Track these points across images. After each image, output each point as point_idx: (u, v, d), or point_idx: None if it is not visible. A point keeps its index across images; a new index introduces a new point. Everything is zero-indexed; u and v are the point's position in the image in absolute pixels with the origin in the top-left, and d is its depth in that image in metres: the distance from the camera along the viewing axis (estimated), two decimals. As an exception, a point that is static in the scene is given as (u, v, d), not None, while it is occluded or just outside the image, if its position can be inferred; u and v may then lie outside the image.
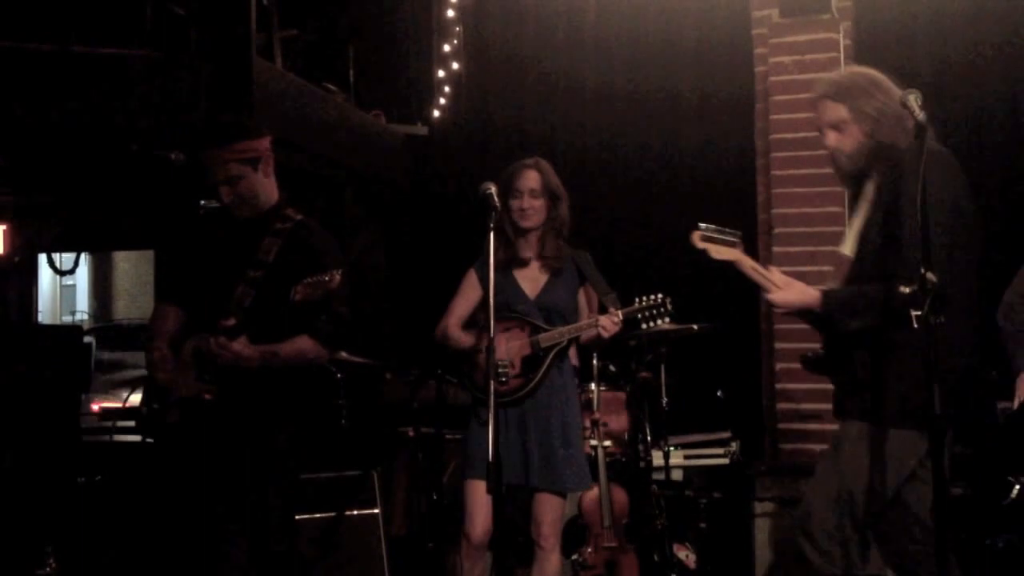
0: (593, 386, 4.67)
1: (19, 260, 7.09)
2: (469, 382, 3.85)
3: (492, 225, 3.27)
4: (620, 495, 4.64)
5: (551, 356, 3.79)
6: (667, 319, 3.75)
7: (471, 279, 3.95)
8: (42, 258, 7.75)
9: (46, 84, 4.84)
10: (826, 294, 3.08)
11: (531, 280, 3.90)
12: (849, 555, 3.00)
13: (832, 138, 3.17)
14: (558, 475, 3.79)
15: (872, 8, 5.36)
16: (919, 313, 2.68)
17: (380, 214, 6.84)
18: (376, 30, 7.01)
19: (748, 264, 3.16)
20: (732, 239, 3.17)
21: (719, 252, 3.15)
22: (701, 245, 3.16)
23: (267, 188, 3.49)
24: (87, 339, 6.97)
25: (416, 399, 4.85)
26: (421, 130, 6.87)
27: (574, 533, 4.64)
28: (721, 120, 5.91)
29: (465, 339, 3.86)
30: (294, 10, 6.28)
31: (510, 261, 3.88)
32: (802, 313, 3.18)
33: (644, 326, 3.77)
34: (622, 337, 3.88)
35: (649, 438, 4.96)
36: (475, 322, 3.93)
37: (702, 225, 3.17)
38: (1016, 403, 3.96)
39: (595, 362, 4.70)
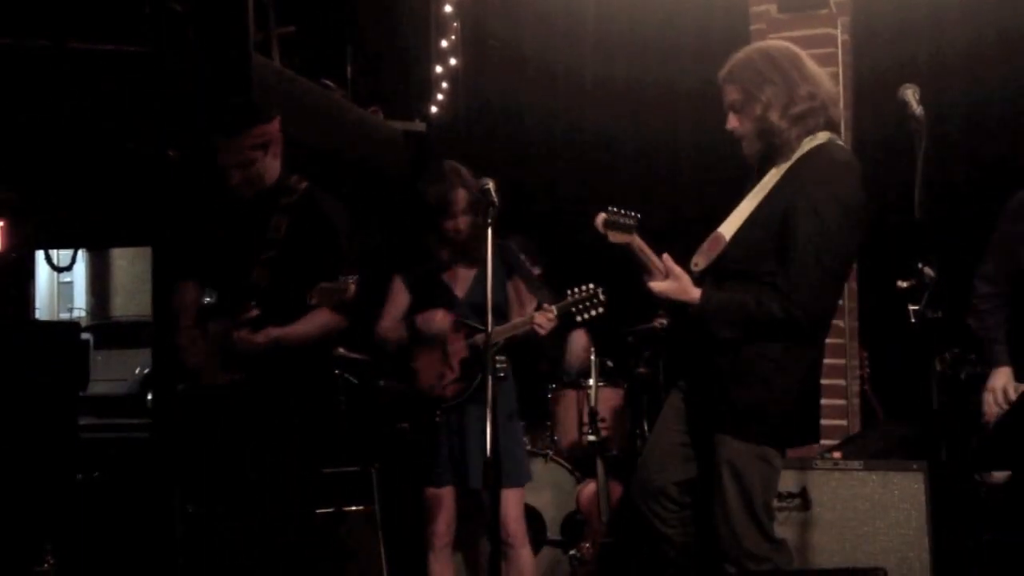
0: (592, 382, 4.68)
1: (16, 257, 7.08)
2: (411, 384, 3.87)
3: (491, 221, 3.27)
4: (618, 491, 4.64)
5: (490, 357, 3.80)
6: (601, 309, 3.77)
7: (397, 285, 4.02)
8: (39, 255, 7.74)
9: (42, 80, 4.83)
10: (706, 298, 3.02)
11: (458, 280, 3.93)
12: (778, 567, 3.05)
13: (731, 121, 3.13)
14: (512, 470, 3.82)
15: (870, 2, 5.35)
16: (917, 308, 2.69)
17: (378, 210, 6.83)
18: (374, 26, 7.00)
19: (637, 245, 3.09)
20: (631, 222, 3.09)
21: (616, 237, 3.09)
22: (603, 230, 3.10)
23: (273, 168, 3.54)
24: (84, 336, 6.96)
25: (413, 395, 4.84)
26: (419, 126, 6.86)
27: (572, 528, 4.65)
28: (720, 114, 5.89)
29: (397, 332, 3.91)
30: (292, 7, 6.27)
31: (434, 267, 3.91)
32: (675, 305, 3.11)
33: (579, 319, 3.79)
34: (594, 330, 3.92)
35: (647, 434, 4.96)
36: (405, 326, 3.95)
37: (610, 208, 3.09)
38: (991, 397, 3.92)
39: (594, 358, 4.70)
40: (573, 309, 3.78)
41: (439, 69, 6.66)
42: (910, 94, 2.84)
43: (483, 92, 6.65)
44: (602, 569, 4.54)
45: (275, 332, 3.41)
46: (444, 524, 3.86)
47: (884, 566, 3.74)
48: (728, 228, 3.08)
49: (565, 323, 3.94)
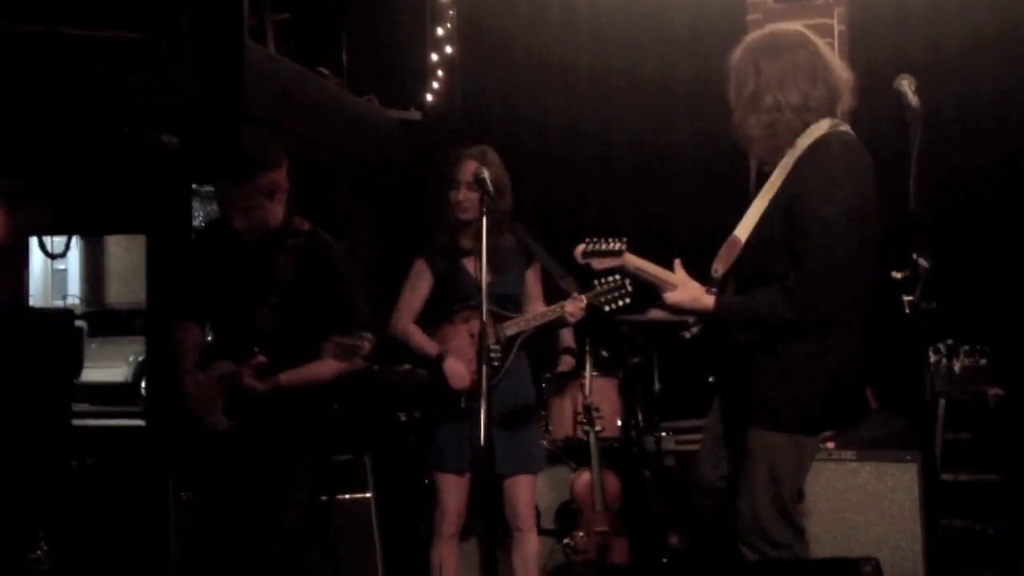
0: (586, 371, 4.68)
1: (9, 244, 7.06)
2: (433, 383, 3.85)
3: (484, 208, 3.27)
4: (612, 480, 4.65)
5: (516, 344, 3.79)
6: (627, 300, 3.76)
7: (420, 269, 3.94)
8: (33, 242, 7.72)
9: (36, 66, 4.81)
10: (719, 306, 3.05)
11: (479, 266, 3.89)
12: (798, 555, 3.07)
13: (735, 117, 3.12)
14: (527, 457, 3.83)
15: (866, -7, 5.36)
16: (911, 298, 2.70)
17: (373, 199, 6.82)
18: (370, 14, 6.98)
19: (632, 265, 3.15)
20: (615, 250, 3.16)
21: (600, 263, 3.18)
22: (583, 261, 3.20)
23: (277, 212, 3.45)
24: (78, 323, 6.95)
25: (408, 384, 4.84)
26: (415, 115, 6.84)
27: (566, 517, 4.66)
28: (714, 104, 5.87)
29: (427, 346, 3.86)
30: (287, -7, 6.24)
31: (455, 249, 3.87)
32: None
33: (606, 308, 3.78)
34: (589, 320, 3.92)
35: (642, 423, 4.97)
36: (427, 316, 3.92)
37: (586, 240, 3.19)
38: None
39: (588, 347, 4.70)
40: (602, 299, 3.76)
41: (435, 57, 6.64)
42: (906, 84, 2.83)
43: (479, 81, 6.63)
44: (596, 558, 4.55)
45: (282, 378, 3.37)
46: (455, 512, 3.83)
47: (877, 556, 3.76)
48: (743, 230, 3.08)
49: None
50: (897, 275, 2.76)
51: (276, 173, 3.40)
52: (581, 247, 3.18)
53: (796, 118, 3.00)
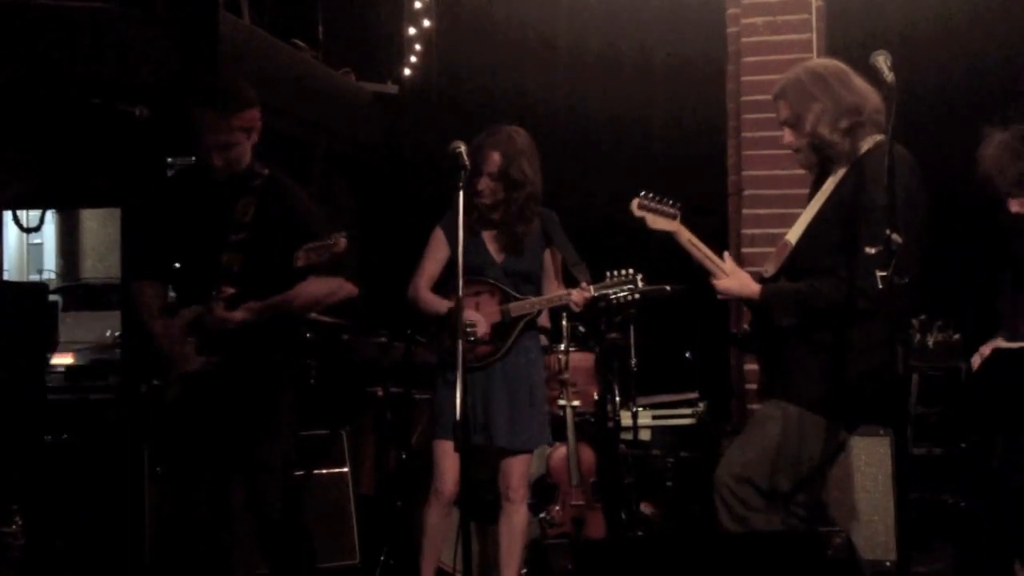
0: (563, 346, 4.69)
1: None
2: (437, 344, 3.86)
3: (461, 184, 3.26)
4: (588, 454, 4.67)
5: (520, 325, 3.81)
6: (637, 296, 3.79)
7: (438, 237, 3.95)
8: (7, 215, 7.64)
9: (6, 36, 4.75)
10: (765, 291, 3.18)
11: (498, 243, 3.90)
12: (768, 521, 3.15)
13: (786, 136, 3.26)
14: (524, 435, 3.85)
15: (844, -32, 5.35)
16: (884, 273, 2.72)
17: (350, 173, 6.78)
18: (346, -14, 6.92)
19: (685, 237, 3.24)
20: (671, 211, 3.23)
21: (656, 222, 3.24)
22: (639, 213, 3.25)
23: (248, 154, 3.53)
24: (53, 298, 6.90)
25: (385, 359, 4.84)
26: (391, 88, 6.80)
27: (542, 491, 4.68)
28: (692, 81, 5.90)
29: (437, 304, 3.86)
30: (262, -36, 6.17)
31: (477, 222, 3.87)
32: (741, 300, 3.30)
33: (615, 300, 3.81)
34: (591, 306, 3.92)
35: (618, 398, 4.98)
36: (445, 284, 3.92)
37: (642, 193, 3.24)
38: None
39: (564, 322, 4.71)
40: (610, 291, 3.78)
41: (412, 31, 6.60)
42: (882, 60, 2.86)
43: (457, 55, 6.60)
44: (572, 531, 4.57)
45: (254, 305, 3.38)
46: (452, 481, 3.83)
47: (850, 528, 3.80)
48: (793, 234, 3.22)
49: None
50: (870, 251, 2.78)
51: (255, 111, 3.50)
52: (636, 200, 3.23)
53: (851, 137, 3.14)
